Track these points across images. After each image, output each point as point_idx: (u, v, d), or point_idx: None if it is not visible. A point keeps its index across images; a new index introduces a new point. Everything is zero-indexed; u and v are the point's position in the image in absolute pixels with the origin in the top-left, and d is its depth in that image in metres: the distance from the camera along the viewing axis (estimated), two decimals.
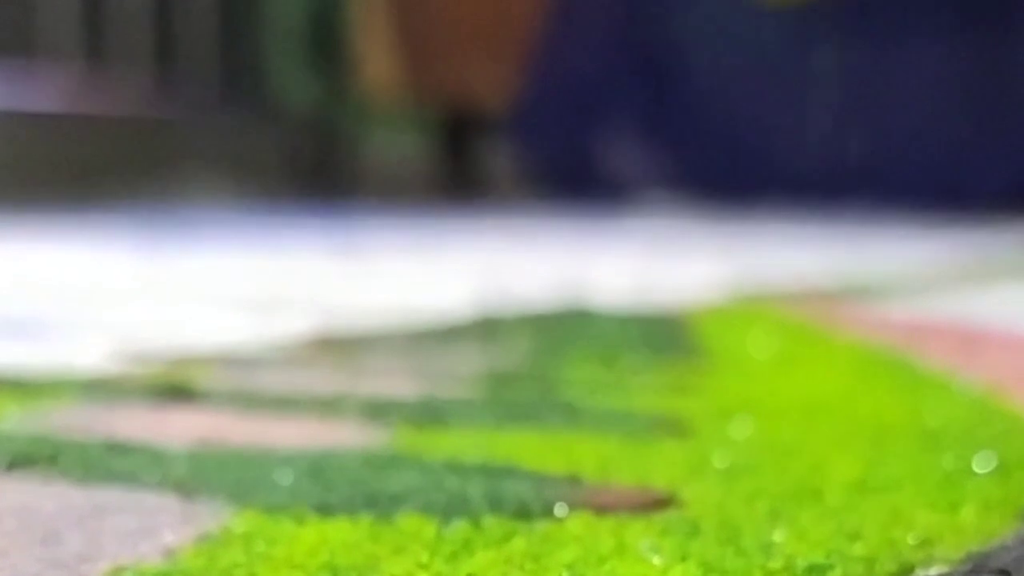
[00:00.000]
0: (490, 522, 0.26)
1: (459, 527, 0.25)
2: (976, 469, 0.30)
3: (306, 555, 0.24)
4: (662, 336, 0.53)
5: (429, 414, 0.36)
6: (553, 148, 1.63)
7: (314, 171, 1.75)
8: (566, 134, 1.62)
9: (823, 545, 0.24)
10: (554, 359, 0.46)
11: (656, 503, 0.27)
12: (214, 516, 0.26)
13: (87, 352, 0.47)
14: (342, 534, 0.25)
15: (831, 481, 0.29)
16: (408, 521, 0.26)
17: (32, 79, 1.62)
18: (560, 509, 0.26)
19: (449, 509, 0.26)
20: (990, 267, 0.83)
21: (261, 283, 0.74)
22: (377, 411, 0.36)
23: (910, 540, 0.25)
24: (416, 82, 1.65)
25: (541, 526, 0.26)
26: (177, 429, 0.34)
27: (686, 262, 0.90)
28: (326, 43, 1.77)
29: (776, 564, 0.23)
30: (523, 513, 0.26)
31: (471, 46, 1.60)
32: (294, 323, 0.54)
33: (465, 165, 1.73)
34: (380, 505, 0.27)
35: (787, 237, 1.14)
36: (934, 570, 0.23)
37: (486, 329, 0.54)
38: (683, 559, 0.23)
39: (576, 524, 0.26)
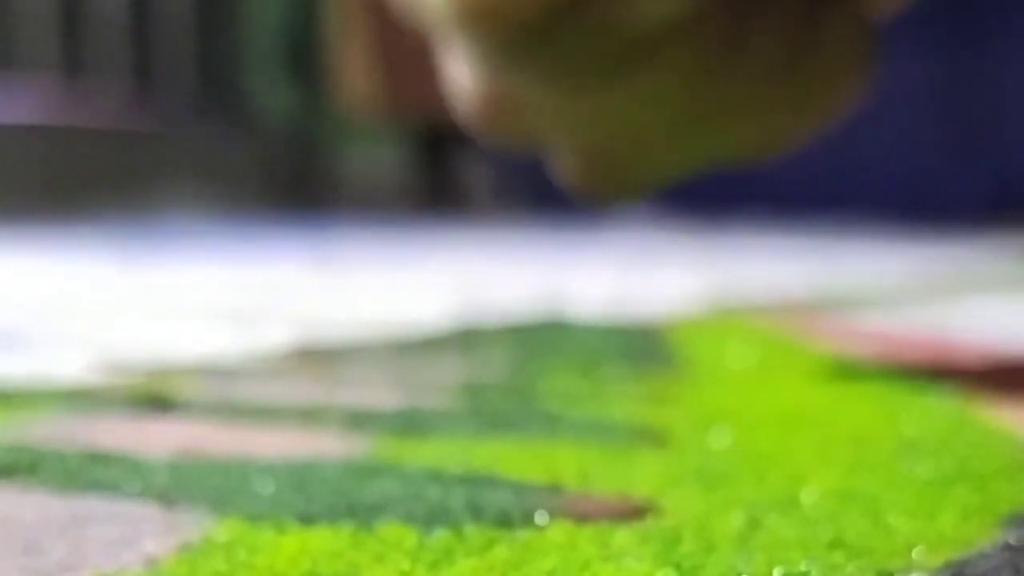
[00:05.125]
0: (471, 531, 0.26)
1: (441, 536, 0.25)
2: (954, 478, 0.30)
3: (288, 563, 0.24)
4: (640, 347, 0.53)
5: (410, 424, 0.36)
6: (531, 160, 1.63)
7: (293, 183, 1.75)
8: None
9: (802, 553, 0.25)
10: (533, 370, 0.46)
11: (636, 511, 0.27)
12: (196, 525, 0.26)
13: (67, 363, 0.47)
14: (324, 543, 0.25)
15: (809, 490, 0.29)
16: (390, 530, 0.26)
17: (10, 91, 1.61)
18: (541, 517, 0.27)
19: (430, 518, 0.26)
20: (965, 279, 0.83)
21: (241, 295, 0.74)
22: (358, 421, 0.36)
23: (888, 548, 0.25)
24: (394, 95, 1.65)
25: (522, 534, 0.26)
26: (158, 439, 0.34)
27: (664, 274, 0.91)
28: (304, 56, 1.77)
29: (755, 571, 0.24)
30: (504, 522, 0.26)
31: None
32: (274, 334, 0.54)
33: (443, 177, 1.73)
34: (361, 514, 0.27)
35: (764, 249, 1.14)
36: None
37: (465, 340, 0.55)
38: (663, 566, 0.24)
39: (557, 532, 0.26)
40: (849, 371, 0.46)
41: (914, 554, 0.25)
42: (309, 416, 0.37)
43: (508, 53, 0.34)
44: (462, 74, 0.39)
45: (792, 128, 0.40)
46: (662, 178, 0.42)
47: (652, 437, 0.35)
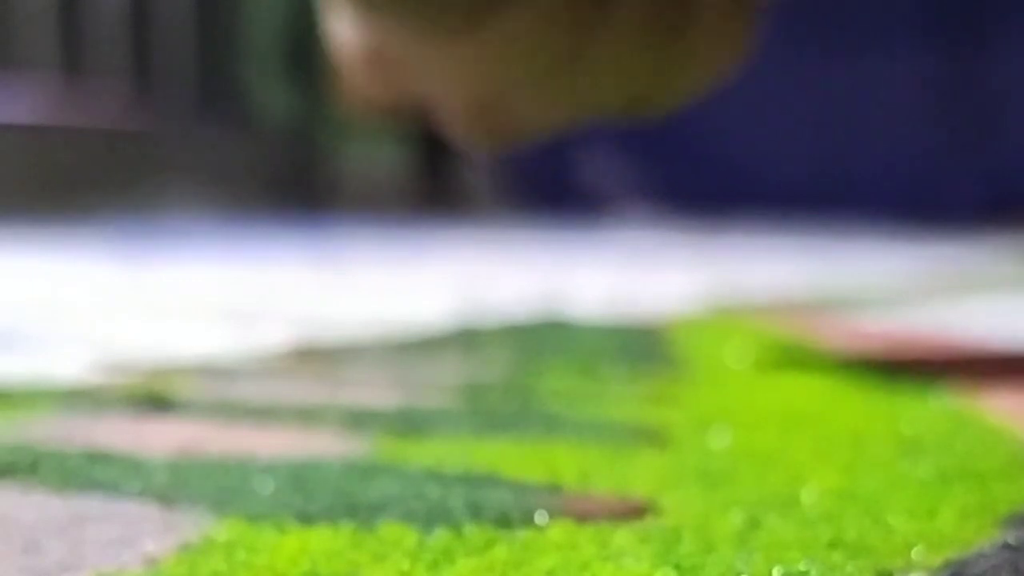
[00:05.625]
0: (471, 530, 0.26)
1: (440, 535, 0.25)
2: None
3: (288, 563, 0.24)
4: (640, 347, 0.53)
5: (409, 424, 0.36)
6: (530, 160, 1.63)
7: (292, 183, 1.75)
8: (543, 146, 1.62)
9: (801, 553, 0.25)
10: (533, 369, 0.46)
11: (636, 511, 0.27)
12: (195, 525, 0.26)
13: (67, 362, 0.47)
14: (323, 542, 0.25)
15: (809, 489, 0.29)
16: (389, 529, 0.26)
17: (9, 91, 1.61)
18: (541, 517, 0.27)
19: (430, 517, 0.26)
20: (966, 278, 0.83)
21: (240, 294, 0.74)
22: (357, 421, 0.36)
23: (888, 547, 0.25)
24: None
25: (522, 534, 0.26)
26: (158, 439, 0.34)
27: (663, 273, 0.91)
28: (304, 56, 1.77)
29: (755, 571, 0.24)
30: (504, 521, 0.26)
31: None
32: (273, 334, 0.54)
33: (443, 177, 1.73)
34: (361, 514, 0.27)
35: (764, 249, 1.14)
36: None
37: (465, 340, 0.55)
38: (663, 565, 0.24)
39: (557, 532, 0.26)
40: (849, 371, 0.46)
41: (913, 554, 0.25)
42: (309, 416, 0.37)
43: (374, 3, 0.35)
44: (344, 32, 0.40)
45: (666, 88, 0.41)
46: (541, 127, 0.42)
47: (652, 437, 0.35)
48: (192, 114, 1.79)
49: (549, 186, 1.61)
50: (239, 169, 1.71)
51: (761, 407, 0.39)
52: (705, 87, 0.41)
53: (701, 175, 1.52)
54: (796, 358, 0.50)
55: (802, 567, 0.24)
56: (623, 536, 0.25)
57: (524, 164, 1.63)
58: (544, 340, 0.54)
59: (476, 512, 0.27)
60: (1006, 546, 0.25)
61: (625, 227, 1.40)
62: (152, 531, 0.26)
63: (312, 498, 0.28)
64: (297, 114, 1.81)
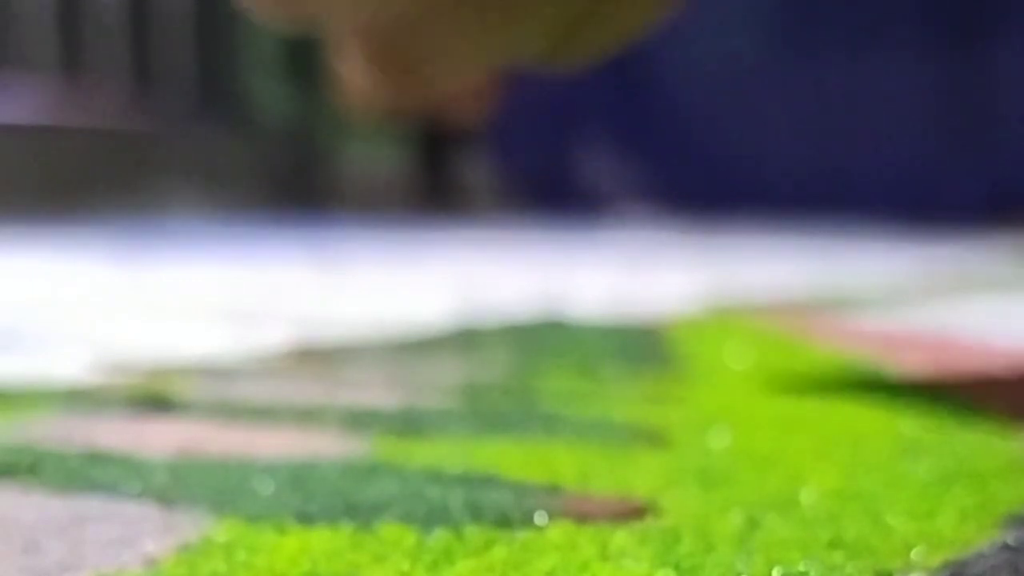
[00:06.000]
0: (471, 531, 0.26)
1: (440, 536, 0.25)
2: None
3: (287, 564, 0.24)
4: (640, 347, 0.53)
5: (409, 424, 0.36)
6: (531, 160, 1.63)
7: (292, 183, 1.75)
8: (544, 146, 1.62)
9: (801, 553, 0.25)
10: (532, 370, 0.46)
11: (635, 511, 0.27)
12: (195, 525, 0.26)
13: (66, 363, 0.47)
14: (323, 543, 0.25)
15: (809, 490, 0.29)
16: (389, 530, 0.26)
17: (9, 91, 1.61)
18: (540, 518, 0.27)
19: (430, 518, 0.26)
20: (964, 279, 0.83)
21: (240, 295, 0.74)
22: (357, 421, 0.36)
23: (887, 548, 0.25)
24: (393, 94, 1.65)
25: (522, 535, 0.26)
26: (157, 439, 0.34)
27: (663, 274, 0.91)
28: (304, 56, 1.77)
29: (754, 571, 0.24)
30: (504, 522, 0.26)
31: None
32: (273, 334, 0.54)
33: (443, 177, 1.73)
34: (361, 514, 0.27)
35: (763, 249, 1.14)
36: None
37: (465, 340, 0.55)
38: (662, 566, 0.24)
39: (557, 532, 0.26)
40: (849, 371, 0.46)
41: (913, 554, 0.25)
42: (309, 416, 0.37)
43: None
44: None
45: (593, 33, 0.38)
46: (453, 73, 0.39)
47: (652, 437, 0.35)
48: (192, 114, 1.79)
49: (549, 186, 1.61)
50: (239, 169, 1.71)
51: (761, 407, 0.39)
52: (632, 36, 0.39)
53: (701, 175, 1.52)
54: (797, 358, 0.50)
55: (802, 567, 0.24)
56: (623, 536, 0.25)
57: (524, 164, 1.63)
58: (544, 340, 0.54)
59: (476, 513, 0.27)
60: (1005, 547, 0.25)
61: (625, 227, 1.40)
62: (152, 531, 0.26)
63: (312, 498, 0.28)
64: (297, 114, 1.81)
